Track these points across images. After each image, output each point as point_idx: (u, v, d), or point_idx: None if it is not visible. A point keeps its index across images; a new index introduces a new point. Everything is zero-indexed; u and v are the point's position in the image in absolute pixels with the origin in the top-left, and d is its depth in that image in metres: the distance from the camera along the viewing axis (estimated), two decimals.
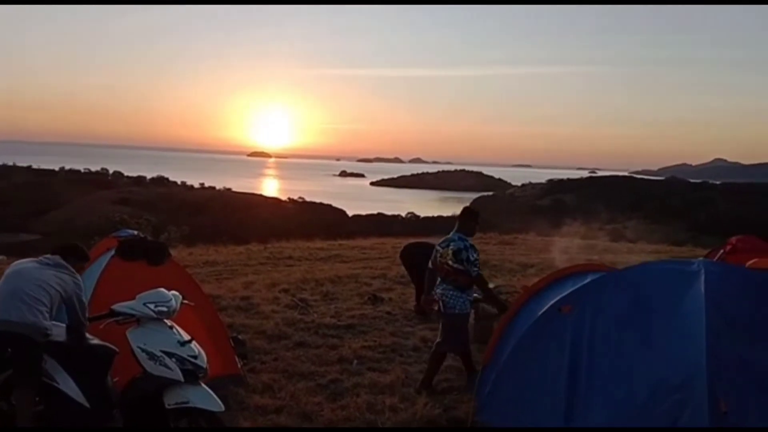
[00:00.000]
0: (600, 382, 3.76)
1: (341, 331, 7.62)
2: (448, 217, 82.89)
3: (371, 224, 67.40)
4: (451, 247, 5.55)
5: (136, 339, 3.74)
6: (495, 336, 4.71)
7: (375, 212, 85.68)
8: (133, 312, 3.80)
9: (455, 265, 5.47)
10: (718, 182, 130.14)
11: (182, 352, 3.72)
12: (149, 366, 3.67)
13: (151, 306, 3.79)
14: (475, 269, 5.47)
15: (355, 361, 6.32)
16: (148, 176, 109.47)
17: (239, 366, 5.68)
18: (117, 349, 4.09)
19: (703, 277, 3.82)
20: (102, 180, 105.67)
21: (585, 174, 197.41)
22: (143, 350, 3.69)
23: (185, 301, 4.15)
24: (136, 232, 8.21)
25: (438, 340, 5.71)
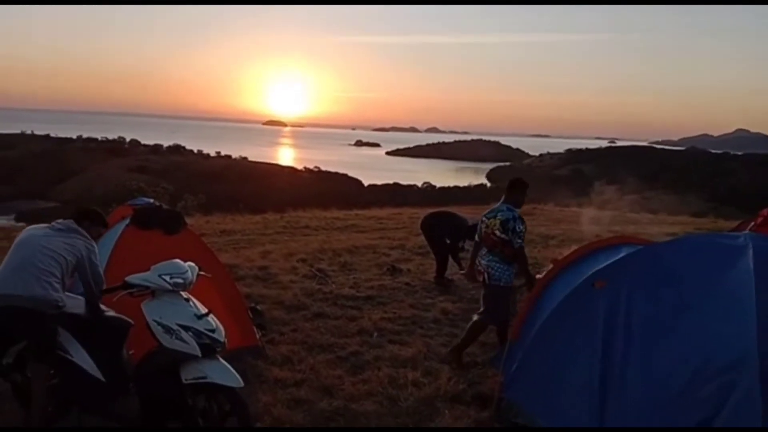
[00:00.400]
0: (637, 362, 3.55)
1: (360, 302, 7.48)
2: (464, 188, 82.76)
3: (387, 194, 67.38)
4: (498, 217, 5.41)
5: (152, 312, 3.58)
6: (523, 310, 4.51)
7: (391, 182, 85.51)
8: (148, 284, 3.63)
9: (502, 236, 5.34)
10: (740, 153, 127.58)
11: (199, 325, 3.55)
12: (165, 340, 3.52)
13: (167, 278, 3.62)
14: (519, 241, 5.33)
15: (375, 334, 6.18)
16: (165, 144, 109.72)
17: (258, 337, 5.56)
18: (132, 322, 3.95)
19: (751, 252, 3.57)
20: (119, 148, 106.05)
21: (604, 144, 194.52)
22: (159, 323, 3.53)
23: (202, 272, 3.98)
24: (152, 200, 8.05)
25: (480, 310, 5.56)
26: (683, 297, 3.58)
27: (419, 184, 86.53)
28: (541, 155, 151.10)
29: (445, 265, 8.78)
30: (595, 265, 4.20)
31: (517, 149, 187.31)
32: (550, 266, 5.09)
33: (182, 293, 3.70)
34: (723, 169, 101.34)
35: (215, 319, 3.73)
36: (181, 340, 3.50)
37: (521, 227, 5.36)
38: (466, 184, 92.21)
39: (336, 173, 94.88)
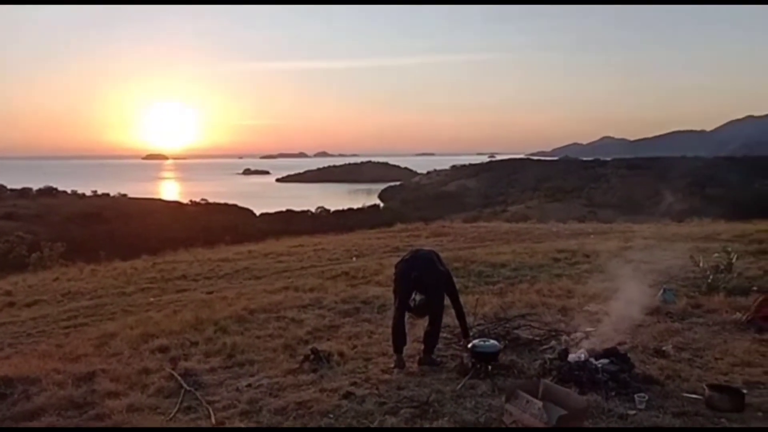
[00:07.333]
0: None
1: None
2: (358, 209, 79.88)
3: (281, 222, 63.10)
4: None
5: None
6: None
7: (284, 209, 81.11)
8: None
9: None
10: (608, 159, 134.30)
11: None
12: None
13: None
14: None
15: None
16: (35, 187, 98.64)
17: None
18: None
19: None
20: None
21: (485, 159, 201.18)
22: None
23: None
24: None
25: None
26: None
27: (313, 209, 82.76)
28: (428, 172, 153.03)
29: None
30: None
31: (406, 168, 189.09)
32: None
33: None
34: (595, 174, 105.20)
35: None
36: None
37: None
38: (360, 205, 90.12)
39: (225, 204, 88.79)
